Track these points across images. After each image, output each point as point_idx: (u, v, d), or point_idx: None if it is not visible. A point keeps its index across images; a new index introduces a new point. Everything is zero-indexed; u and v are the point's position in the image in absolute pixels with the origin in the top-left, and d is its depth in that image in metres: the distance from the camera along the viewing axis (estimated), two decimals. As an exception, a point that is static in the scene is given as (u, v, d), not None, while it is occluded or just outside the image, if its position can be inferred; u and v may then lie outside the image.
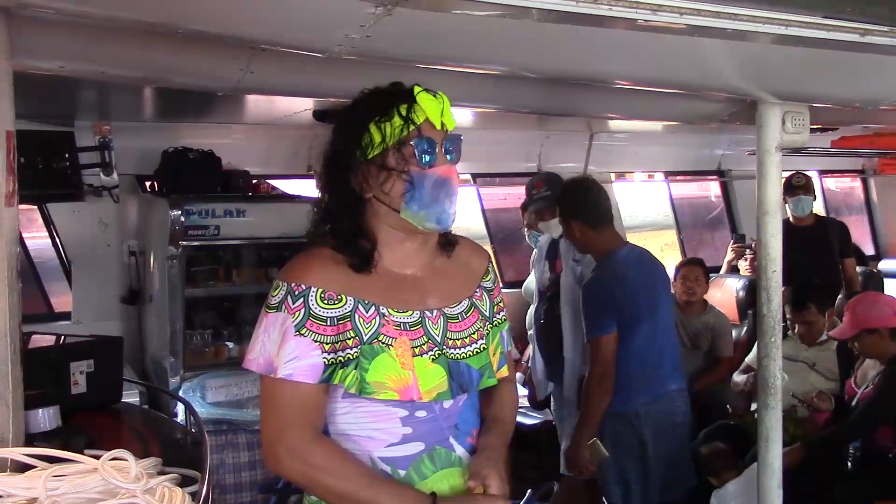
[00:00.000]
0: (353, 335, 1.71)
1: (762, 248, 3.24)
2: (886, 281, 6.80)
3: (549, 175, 4.84)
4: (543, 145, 6.46)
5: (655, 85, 3.09)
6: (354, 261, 1.76)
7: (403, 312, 1.78)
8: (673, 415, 3.47)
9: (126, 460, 1.64)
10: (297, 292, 1.71)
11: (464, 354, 1.82)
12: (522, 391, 5.92)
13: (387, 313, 1.76)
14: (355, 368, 1.70)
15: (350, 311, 1.72)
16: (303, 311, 1.70)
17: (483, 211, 6.82)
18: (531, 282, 4.68)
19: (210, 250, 4.77)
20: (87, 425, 2.44)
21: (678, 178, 7.64)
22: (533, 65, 2.61)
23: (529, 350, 5.03)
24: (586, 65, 2.65)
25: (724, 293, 6.04)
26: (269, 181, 5.23)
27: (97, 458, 1.67)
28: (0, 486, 1.63)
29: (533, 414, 5.37)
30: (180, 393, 4.25)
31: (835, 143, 5.29)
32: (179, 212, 4.57)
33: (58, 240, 5.18)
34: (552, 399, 4.53)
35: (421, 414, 1.75)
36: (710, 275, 5.59)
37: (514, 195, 7.41)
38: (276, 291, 1.74)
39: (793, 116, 3.13)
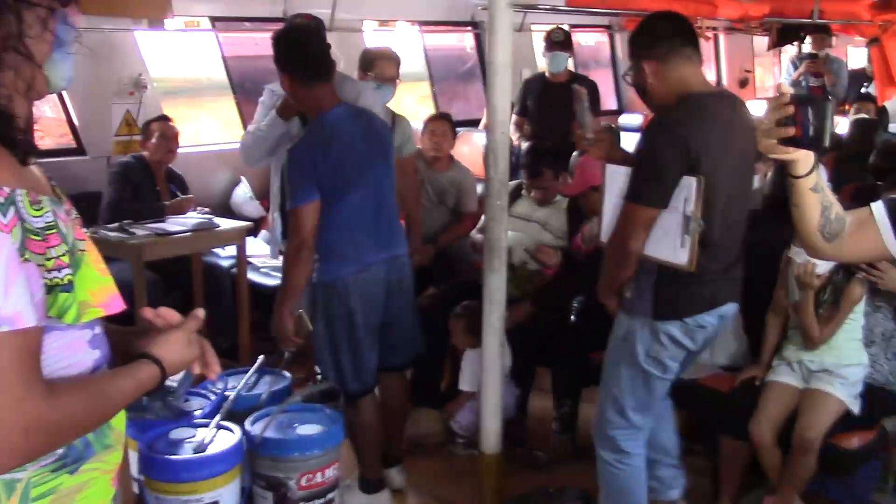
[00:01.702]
0: (65, 249, 1.26)
1: (491, 109, 3.14)
2: (623, 135, 7.09)
3: None
4: (288, -14, 6.02)
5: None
6: (18, 150, 1.25)
7: (63, 206, 1.33)
8: (386, 283, 3.37)
9: None
10: (1, 199, 1.18)
11: None
12: (266, 248, 5.71)
13: (66, 211, 1.33)
14: (73, 291, 1.27)
15: (53, 216, 1.25)
16: (19, 225, 1.19)
17: (224, 59, 6.34)
18: None
19: None
20: None
21: (432, 28, 7.48)
22: None
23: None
24: None
25: (472, 148, 6.07)
26: None
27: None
28: None
29: (275, 274, 5.19)
30: None
31: (570, 2, 5.26)
32: None
33: None
34: None
35: (98, 330, 1.40)
36: (458, 129, 5.54)
37: (266, 42, 6.93)
38: None
39: (525, -29, 2.99)
